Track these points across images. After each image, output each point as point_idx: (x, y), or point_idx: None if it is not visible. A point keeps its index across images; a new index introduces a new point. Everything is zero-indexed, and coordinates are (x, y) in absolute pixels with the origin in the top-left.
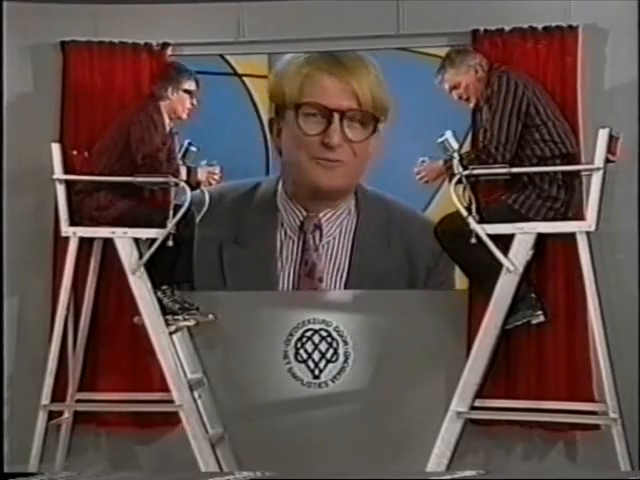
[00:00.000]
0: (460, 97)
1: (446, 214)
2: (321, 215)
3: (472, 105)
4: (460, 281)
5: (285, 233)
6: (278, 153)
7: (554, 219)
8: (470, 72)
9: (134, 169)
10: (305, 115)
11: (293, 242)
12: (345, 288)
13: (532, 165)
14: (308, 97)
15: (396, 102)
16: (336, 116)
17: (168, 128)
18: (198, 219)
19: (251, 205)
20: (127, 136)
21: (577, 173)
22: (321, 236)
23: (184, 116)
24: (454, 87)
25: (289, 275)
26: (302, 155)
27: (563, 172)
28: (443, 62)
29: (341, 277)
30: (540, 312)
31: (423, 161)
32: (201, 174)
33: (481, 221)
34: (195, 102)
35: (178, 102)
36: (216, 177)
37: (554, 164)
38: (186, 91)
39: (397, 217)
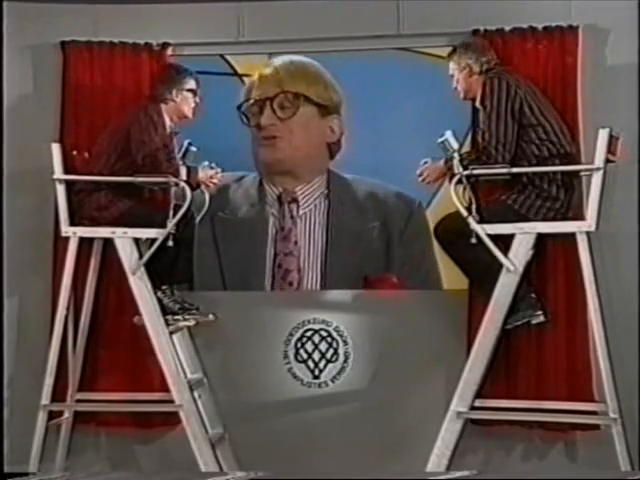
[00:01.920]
0: (455, 88)
1: (446, 214)
2: (296, 189)
3: (462, 95)
4: (453, 280)
5: (270, 209)
6: None
7: (554, 219)
8: (464, 70)
9: (134, 169)
10: (250, 112)
11: (275, 216)
12: (326, 248)
13: (531, 165)
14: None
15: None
16: (267, 102)
17: (169, 130)
18: (198, 219)
19: (241, 188)
20: (127, 137)
21: (577, 173)
22: (298, 207)
23: (190, 115)
24: (452, 76)
25: (271, 241)
26: (253, 144)
27: (563, 172)
28: (452, 51)
29: (319, 240)
30: (540, 312)
31: (425, 162)
32: (201, 174)
33: (481, 221)
34: (198, 100)
35: (183, 102)
36: (216, 179)
37: (552, 164)
38: (189, 90)
39: (367, 190)
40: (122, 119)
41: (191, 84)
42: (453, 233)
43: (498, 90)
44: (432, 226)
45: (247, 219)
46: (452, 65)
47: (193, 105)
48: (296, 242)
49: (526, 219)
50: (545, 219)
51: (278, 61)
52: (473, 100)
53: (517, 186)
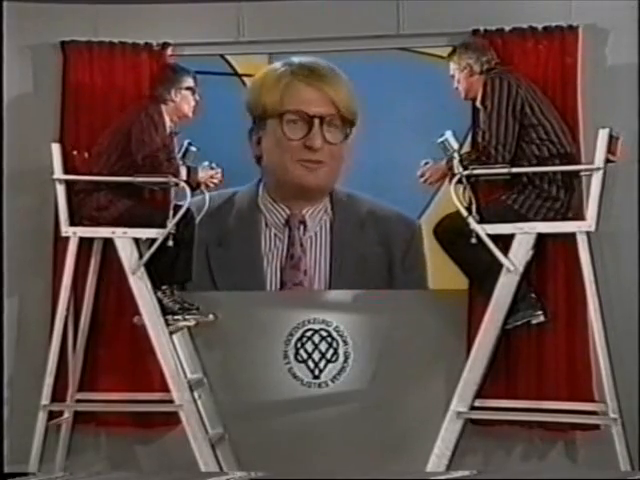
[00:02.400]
0: (456, 88)
1: (446, 214)
2: (304, 212)
3: (463, 95)
4: (453, 280)
5: (270, 231)
6: (257, 161)
7: (554, 219)
8: (464, 70)
9: (134, 169)
10: (288, 122)
11: (280, 239)
12: (330, 274)
13: (531, 165)
14: (289, 106)
15: (391, 104)
16: (316, 121)
17: (169, 130)
18: (198, 219)
19: (233, 211)
20: (127, 137)
21: (577, 173)
22: (305, 230)
23: (190, 114)
24: (452, 76)
25: (275, 269)
26: (286, 158)
27: (563, 172)
28: (452, 51)
29: (324, 267)
30: (540, 312)
31: (426, 163)
32: (201, 174)
33: (481, 221)
34: (197, 98)
35: (183, 102)
36: (216, 180)
37: (553, 164)
38: (188, 88)
39: (368, 209)
40: (122, 119)
41: (189, 82)
42: (453, 233)
43: (499, 90)
44: (431, 229)
45: (245, 252)
46: (452, 65)
47: (193, 104)
48: (305, 272)
49: (526, 219)
50: (545, 219)
51: (315, 68)
52: (474, 100)
53: (517, 186)
